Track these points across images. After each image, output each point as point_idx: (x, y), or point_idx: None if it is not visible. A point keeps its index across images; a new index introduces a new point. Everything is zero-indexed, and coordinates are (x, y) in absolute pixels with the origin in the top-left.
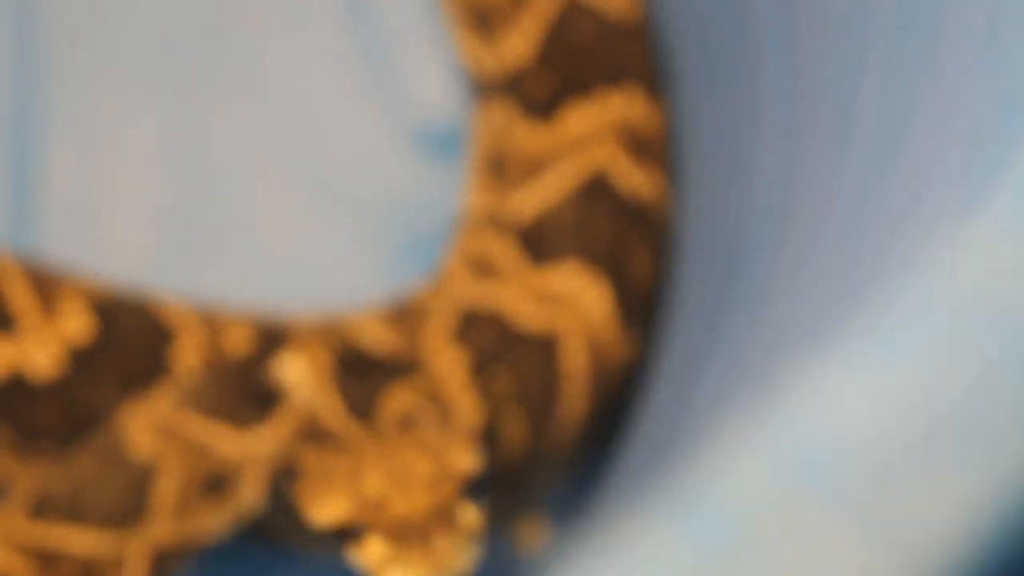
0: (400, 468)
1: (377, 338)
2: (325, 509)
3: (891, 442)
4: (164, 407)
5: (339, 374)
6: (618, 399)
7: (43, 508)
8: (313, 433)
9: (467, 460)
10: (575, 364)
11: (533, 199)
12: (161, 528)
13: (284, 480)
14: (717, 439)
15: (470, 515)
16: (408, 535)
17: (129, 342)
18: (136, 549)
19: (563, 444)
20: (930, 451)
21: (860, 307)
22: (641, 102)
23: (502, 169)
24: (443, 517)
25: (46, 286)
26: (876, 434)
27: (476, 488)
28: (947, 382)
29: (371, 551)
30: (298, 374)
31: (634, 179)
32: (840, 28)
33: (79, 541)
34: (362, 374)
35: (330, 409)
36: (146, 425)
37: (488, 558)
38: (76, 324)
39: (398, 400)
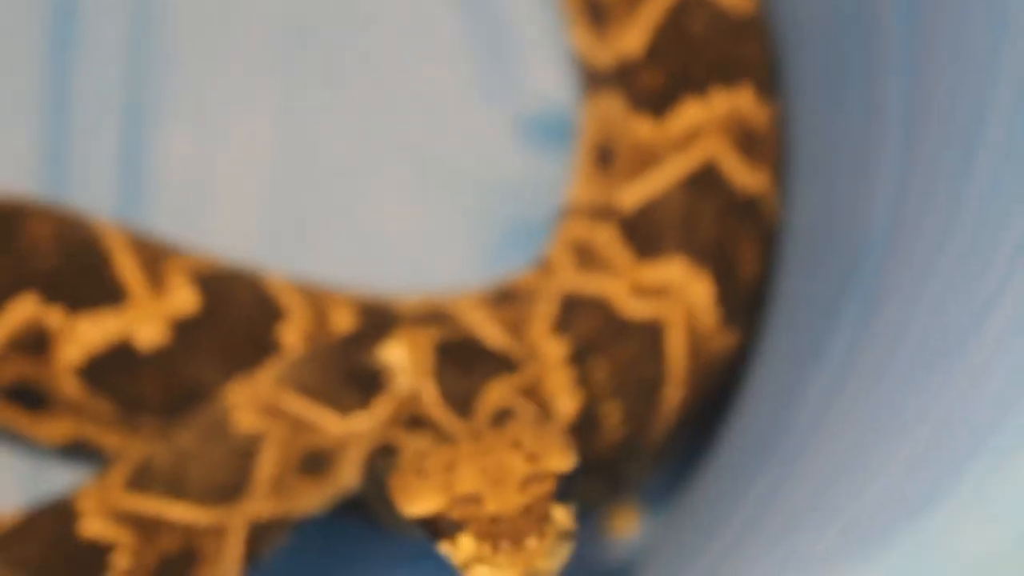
0: (495, 466)
1: (481, 324)
2: (417, 503)
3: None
4: (267, 385)
5: (440, 362)
6: (716, 393)
7: (144, 480)
8: (411, 419)
9: (562, 461)
10: (678, 355)
11: (640, 191)
12: (259, 504)
13: (381, 462)
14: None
15: (562, 517)
16: (499, 535)
17: (234, 317)
18: (234, 524)
19: (661, 434)
20: None
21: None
22: (753, 98)
23: (610, 160)
24: (536, 518)
25: (155, 260)
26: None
27: (568, 484)
28: None
29: (462, 549)
30: (400, 360)
31: (743, 175)
32: (973, 30)
33: (179, 514)
34: (464, 363)
35: (429, 398)
36: (249, 402)
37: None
38: (183, 298)
39: (497, 393)
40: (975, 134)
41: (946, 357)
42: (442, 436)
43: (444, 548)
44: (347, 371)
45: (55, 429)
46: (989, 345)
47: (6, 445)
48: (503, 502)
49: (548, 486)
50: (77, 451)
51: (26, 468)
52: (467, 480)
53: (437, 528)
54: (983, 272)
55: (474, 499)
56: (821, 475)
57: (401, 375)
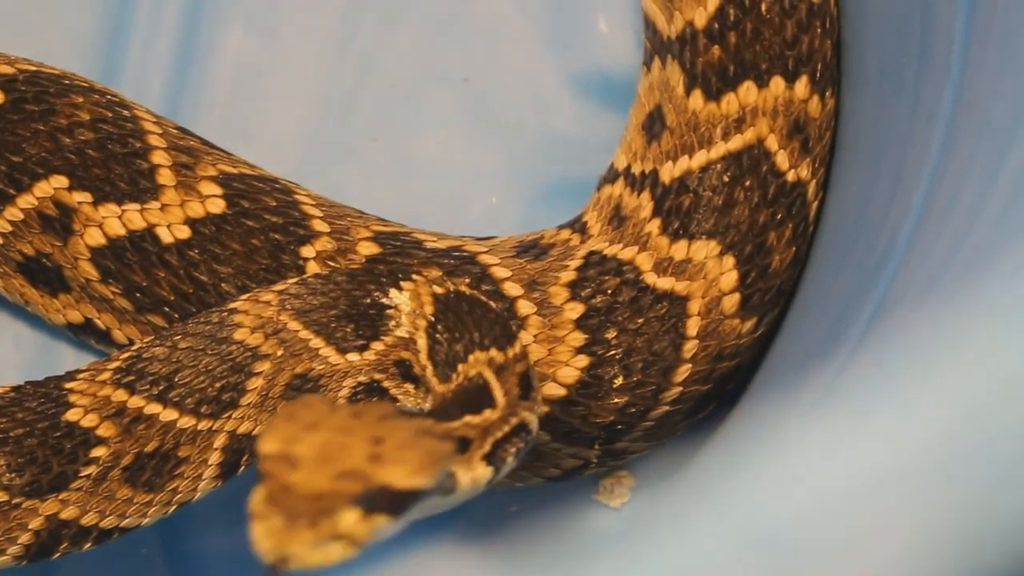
0: (338, 446)
1: (498, 274)
2: (261, 439)
3: None
4: (272, 305)
5: (437, 317)
6: (726, 378)
7: (136, 377)
8: (401, 366)
9: (401, 478)
10: (691, 334)
11: (682, 166)
12: (243, 419)
13: (364, 400)
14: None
15: (350, 523)
16: (279, 503)
17: (258, 226)
18: (216, 434)
19: (662, 410)
20: None
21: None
22: (810, 89)
23: (658, 130)
24: (320, 509)
25: (189, 159)
26: None
27: (402, 503)
28: None
29: (251, 498)
30: (404, 306)
31: (788, 163)
32: (1020, 44)
33: (164, 416)
34: (459, 325)
35: (418, 351)
36: (251, 319)
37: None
38: (210, 199)
39: (474, 367)
40: (1004, 150)
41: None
42: (423, 390)
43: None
44: (351, 308)
45: (67, 310)
46: None
47: (18, 319)
48: (308, 479)
49: (357, 487)
50: (87, 334)
51: (34, 345)
52: (306, 444)
53: (258, 470)
54: (984, 287)
55: (291, 462)
56: None
57: (401, 321)
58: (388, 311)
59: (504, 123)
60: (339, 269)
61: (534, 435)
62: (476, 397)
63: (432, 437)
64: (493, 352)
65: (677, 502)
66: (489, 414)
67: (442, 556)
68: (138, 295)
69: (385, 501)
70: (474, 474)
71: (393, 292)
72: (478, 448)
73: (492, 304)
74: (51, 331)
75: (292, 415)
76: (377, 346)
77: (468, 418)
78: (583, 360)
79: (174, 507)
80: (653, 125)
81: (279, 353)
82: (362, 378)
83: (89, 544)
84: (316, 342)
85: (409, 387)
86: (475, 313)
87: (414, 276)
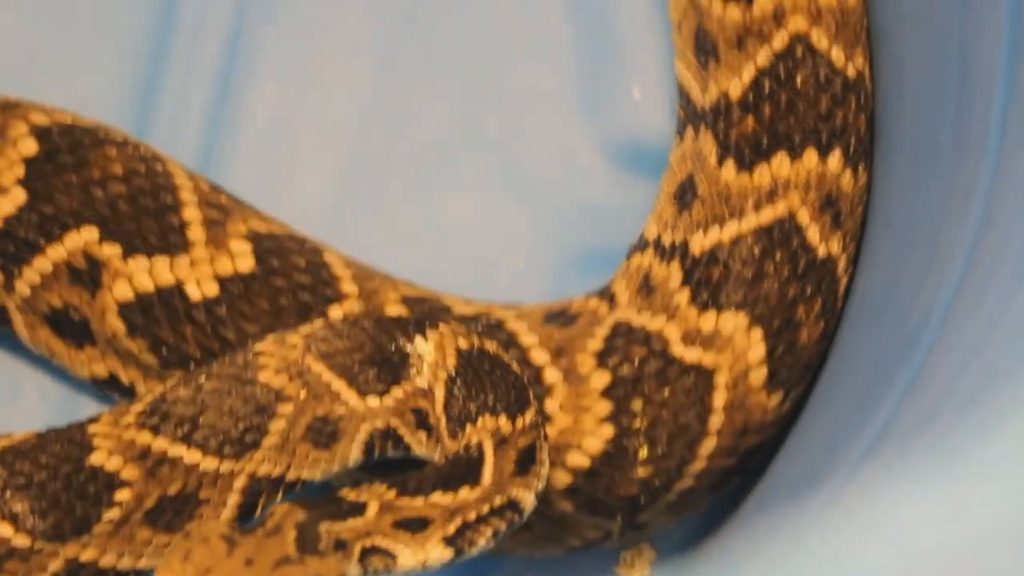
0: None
1: (525, 339)
2: None
3: None
4: (296, 347)
5: (458, 371)
6: (751, 453)
7: (159, 420)
8: (418, 415)
9: None
10: (719, 407)
11: (713, 237)
12: (264, 463)
13: (381, 446)
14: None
15: None
16: None
17: (286, 285)
18: (238, 476)
19: (686, 483)
20: None
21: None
22: (844, 163)
23: (689, 200)
24: None
25: (221, 215)
26: None
27: None
28: None
29: None
30: (427, 356)
31: (820, 238)
32: None
33: (188, 458)
34: (477, 382)
35: (435, 402)
36: (275, 360)
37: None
38: (240, 257)
39: (479, 432)
40: None
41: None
42: (435, 440)
43: None
44: (375, 353)
45: (92, 364)
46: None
47: (44, 372)
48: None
49: None
50: (111, 389)
51: (59, 397)
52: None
53: None
54: (1012, 375)
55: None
56: None
57: (423, 370)
58: (411, 359)
59: (535, 189)
60: (368, 315)
61: (524, 515)
62: (463, 471)
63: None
64: (502, 420)
65: None
66: (466, 494)
67: None
68: (164, 351)
69: None
70: (425, 555)
71: (418, 340)
72: (438, 529)
73: (514, 366)
74: (76, 383)
75: (188, 555)
76: (397, 392)
77: (437, 496)
78: (608, 430)
79: None
80: (684, 195)
81: (302, 395)
82: (379, 423)
83: None
84: (338, 385)
85: (422, 436)
86: (494, 374)
87: (440, 326)
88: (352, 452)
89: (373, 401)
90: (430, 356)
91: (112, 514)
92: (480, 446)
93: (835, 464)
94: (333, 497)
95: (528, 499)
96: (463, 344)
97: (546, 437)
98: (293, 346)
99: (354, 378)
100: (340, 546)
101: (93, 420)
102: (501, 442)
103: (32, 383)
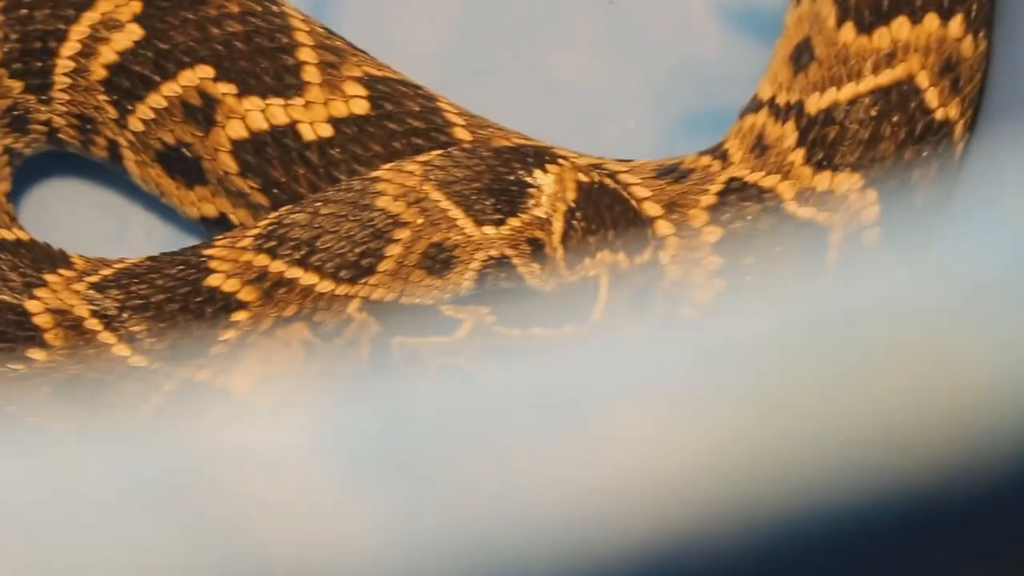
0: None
1: (637, 192)
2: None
3: None
4: (415, 174)
5: (577, 203)
6: None
7: (276, 243)
8: (534, 244)
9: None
10: (830, 265)
11: (829, 98)
12: (378, 288)
13: (494, 275)
14: None
15: None
16: None
17: (400, 127)
18: (352, 299)
19: None
20: None
21: None
22: (963, 27)
23: (806, 61)
24: None
25: (335, 58)
26: None
27: None
28: None
29: None
30: (547, 187)
31: (938, 102)
32: None
33: (304, 281)
34: (597, 217)
35: (553, 233)
36: (393, 187)
37: None
38: (354, 99)
39: (594, 263)
40: None
41: None
42: (548, 271)
43: None
44: (493, 183)
45: (202, 203)
46: None
47: (152, 211)
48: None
49: None
50: (220, 229)
51: (166, 237)
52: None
53: None
54: None
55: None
56: None
57: (542, 201)
58: (530, 190)
59: (647, 47)
60: (484, 145)
61: None
62: (572, 305)
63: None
64: (620, 256)
65: None
66: (569, 330)
67: None
68: (275, 191)
69: None
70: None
71: (537, 172)
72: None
73: (633, 203)
74: (183, 225)
75: (267, 356)
76: (513, 222)
77: (536, 330)
78: (719, 284)
79: None
80: (801, 56)
81: (419, 222)
82: (493, 252)
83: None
84: (455, 213)
85: (536, 267)
86: (615, 209)
87: (560, 161)
88: (465, 280)
89: (489, 230)
90: (550, 188)
91: (228, 335)
92: (595, 282)
93: None
94: (423, 309)
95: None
96: (584, 178)
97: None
98: (411, 173)
99: (471, 207)
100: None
101: (208, 243)
102: (617, 279)
103: (139, 222)
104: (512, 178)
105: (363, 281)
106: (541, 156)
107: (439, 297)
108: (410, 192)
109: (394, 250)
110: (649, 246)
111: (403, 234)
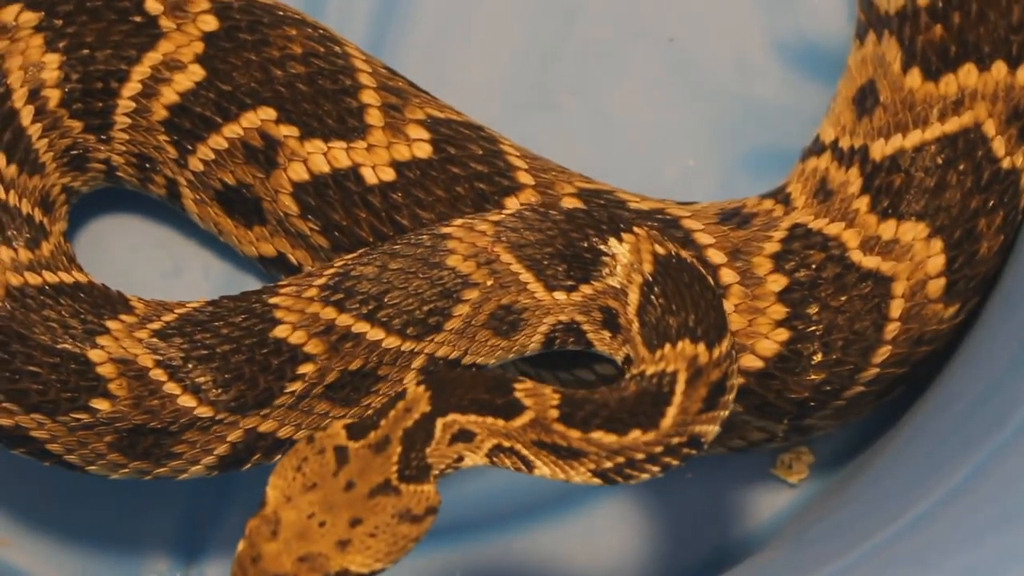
0: (318, 522)
1: (700, 238)
2: (273, 479)
3: None
4: (487, 235)
5: (656, 277)
6: (922, 364)
7: (343, 296)
8: (606, 313)
9: (360, 566)
10: (895, 316)
11: (895, 144)
12: (444, 345)
13: (562, 339)
14: None
15: None
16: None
17: (463, 172)
18: (417, 356)
19: (856, 390)
20: None
21: None
22: None
23: (870, 106)
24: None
25: (398, 100)
26: None
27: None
28: None
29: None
30: (622, 257)
31: (1004, 152)
32: None
33: (371, 336)
34: (674, 293)
35: (628, 304)
36: (464, 246)
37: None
38: (417, 143)
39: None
40: None
41: None
42: (619, 341)
43: None
44: (566, 248)
45: (260, 243)
46: None
47: (208, 249)
48: (276, 556)
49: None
50: (278, 269)
51: (222, 275)
52: (295, 511)
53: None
54: None
55: (273, 528)
56: None
57: (616, 271)
58: (604, 258)
59: (706, 86)
60: (556, 206)
61: (704, 447)
62: (641, 410)
63: (405, 522)
64: (700, 348)
65: (865, 493)
66: (636, 436)
67: (609, 519)
68: (336, 234)
69: None
70: (567, 477)
71: (612, 241)
72: (589, 462)
73: (711, 281)
74: (240, 262)
75: (301, 466)
76: (586, 289)
77: (598, 435)
78: (783, 334)
79: None
80: (865, 100)
81: (489, 283)
82: (563, 317)
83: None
84: (526, 276)
85: (606, 335)
86: (694, 288)
87: (636, 229)
88: (531, 343)
89: (560, 296)
90: (625, 257)
91: (295, 387)
92: (673, 380)
93: (1005, 391)
94: (472, 376)
95: (711, 432)
96: (660, 249)
97: (736, 360)
98: (483, 233)
99: (542, 271)
100: (462, 438)
101: (271, 291)
102: (695, 375)
103: (195, 259)
104: (585, 244)
105: (430, 338)
106: (616, 223)
107: (503, 357)
108: (481, 252)
109: (462, 310)
110: (728, 334)
111: (472, 295)
